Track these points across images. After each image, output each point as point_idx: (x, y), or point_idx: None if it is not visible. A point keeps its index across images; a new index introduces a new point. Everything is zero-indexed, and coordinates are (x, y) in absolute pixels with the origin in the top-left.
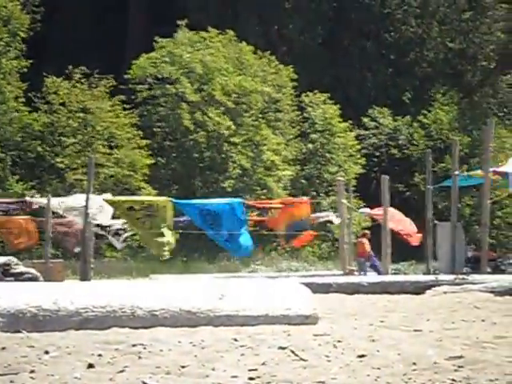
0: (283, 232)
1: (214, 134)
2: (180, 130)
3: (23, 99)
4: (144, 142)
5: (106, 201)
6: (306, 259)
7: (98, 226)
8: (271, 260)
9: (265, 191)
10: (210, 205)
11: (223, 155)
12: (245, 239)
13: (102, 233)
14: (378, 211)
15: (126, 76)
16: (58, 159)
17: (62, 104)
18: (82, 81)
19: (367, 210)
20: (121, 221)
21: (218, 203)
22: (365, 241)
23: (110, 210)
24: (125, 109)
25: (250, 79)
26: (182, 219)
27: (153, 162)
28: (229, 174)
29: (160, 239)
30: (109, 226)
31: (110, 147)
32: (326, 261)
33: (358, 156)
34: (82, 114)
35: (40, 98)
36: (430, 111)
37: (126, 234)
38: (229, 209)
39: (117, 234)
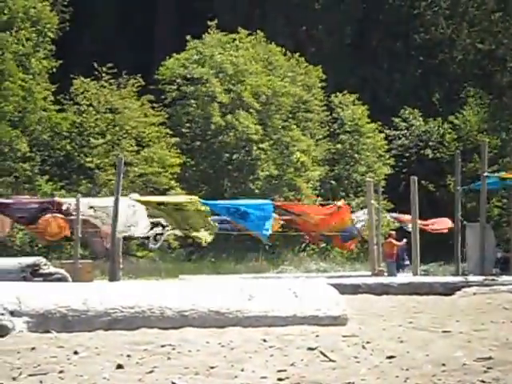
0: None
1: (242, 137)
2: (210, 130)
3: (52, 99)
4: (173, 140)
5: (137, 200)
6: (334, 260)
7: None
8: (299, 261)
9: (293, 192)
10: (238, 204)
11: (252, 158)
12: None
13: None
14: (407, 216)
15: (155, 76)
16: (87, 159)
17: (91, 104)
18: (111, 81)
19: (397, 214)
20: (160, 221)
21: (246, 203)
22: (393, 241)
23: (142, 209)
24: (153, 108)
25: (280, 80)
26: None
27: (182, 161)
28: (257, 176)
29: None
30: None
31: (139, 145)
32: (354, 262)
33: (387, 157)
34: (110, 115)
35: (68, 99)
36: (459, 112)
37: (167, 233)
38: (257, 208)
39: (155, 236)
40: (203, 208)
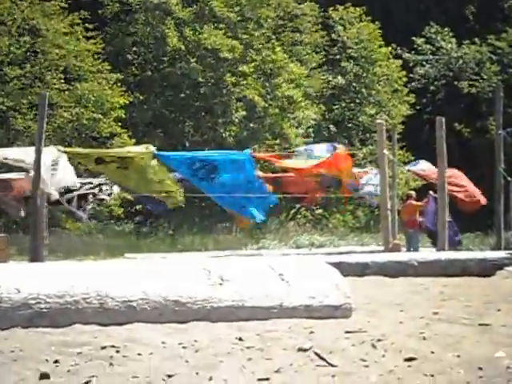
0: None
1: (210, 61)
2: (164, 55)
3: None
4: (115, 75)
5: (66, 153)
6: (334, 231)
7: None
8: (287, 233)
9: (278, 140)
10: (206, 157)
11: (224, 90)
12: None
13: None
14: (429, 168)
15: None
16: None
17: (2, 23)
18: None
19: (419, 165)
20: (91, 181)
21: (217, 155)
22: (414, 202)
23: (68, 166)
24: (87, 30)
25: None
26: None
27: (128, 100)
28: (231, 118)
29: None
30: (74, 190)
31: (68, 81)
32: (361, 232)
33: (406, 92)
34: (28, 38)
35: None
36: (503, 31)
37: (104, 196)
38: (231, 162)
39: (84, 198)
40: (155, 163)
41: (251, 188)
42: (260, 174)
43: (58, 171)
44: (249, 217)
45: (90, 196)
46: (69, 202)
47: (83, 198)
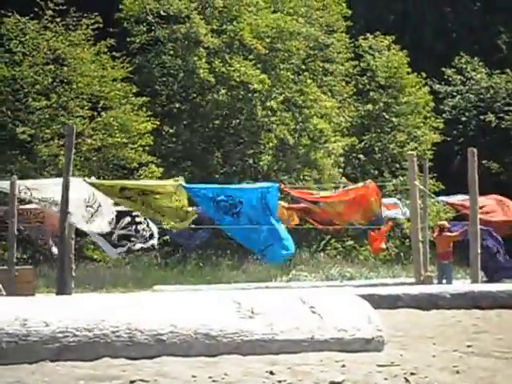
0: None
1: (240, 92)
2: (193, 86)
3: None
4: (141, 99)
5: (93, 185)
6: (365, 263)
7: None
8: (317, 265)
9: (311, 171)
10: (231, 191)
11: (254, 122)
12: (283, 236)
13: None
14: (462, 199)
15: (116, 15)
16: (22, 128)
17: (28, 53)
18: (57, 21)
19: (456, 196)
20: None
21: (241, 188)
22: (449, 234)
23: (109, 203)
24: (114, 58)
25: (289, 18)
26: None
27: (154, 126)
28: (262, 148)
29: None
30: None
31: (94, 109)
32: (391, 265)
33: (436, 120)
34: (53, 67)
35: None
36: None
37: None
38: (257, 194)
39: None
40: (182, 196)
41: (272, 229)
42: (287, 205)
43: (96, 207)
44: (265, 259)
45: (133, 237)
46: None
47: (123, 236)
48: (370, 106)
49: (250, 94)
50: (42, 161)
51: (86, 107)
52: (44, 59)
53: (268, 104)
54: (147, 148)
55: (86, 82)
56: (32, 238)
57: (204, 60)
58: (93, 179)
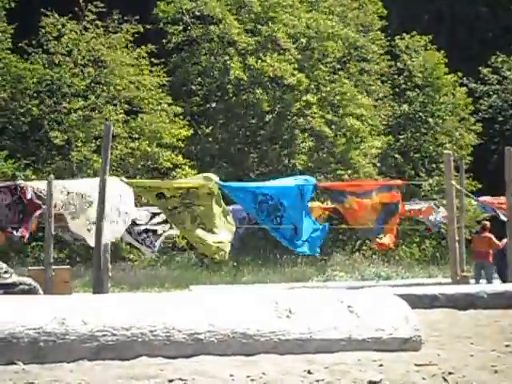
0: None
1: (275, 90)
2: (228, 85)
3: (11, 45)
4: (175, 108)
5: (129, 185)
6: (401, 263)
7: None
8: (353, 265)
9: (348, 171)
10: (268, 188)
11: (290, 121)
12: (311, 229)
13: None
14: (499, 199)
15: (153, 14)
16: (56, 133)
17: (67, 54)
18: (97, 23)
19: (486, 198)
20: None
21: (280, 186)
22: (493, 238)
23: (130, 196)
24: (153, 64)
25: (325, 18)
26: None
27: (189, 134)
28: (298, 148)
29: (211, 235)
30: (142, 223)
31: (128, 113)
32: (427, 264)
33: (473, 121)
34: (92, 69)
35: (36, 46)
36: None
37: (167, 234)
38: (296, 193)
39: (152, 234)
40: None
41: (307, 221)
42: (321, 205)
43: (123, 204)
44: (303, 252)
45: (159, 231)
46: (137, 235)
47: (153, 232)
48: (406, 106)
49: (284, 89)
50: (76, 162)
51: (121, 110)
52: (83, 60)
53: (304, 98)
54: (182, 149)
55: (123, 86)
56: (66, 239)
57: (237, 59)
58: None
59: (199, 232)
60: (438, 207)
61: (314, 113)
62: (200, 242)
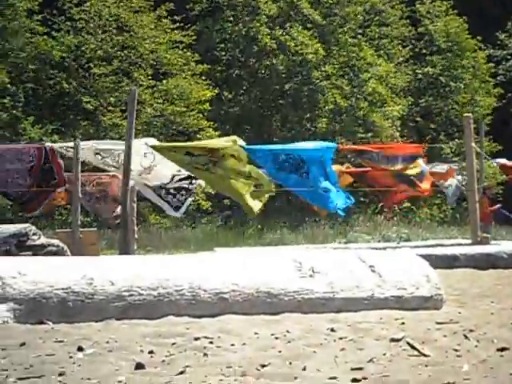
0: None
1: (298, 59)
2: (253, 52)
3: (37, 16)
4: (201, 67)
5: (153, 148)
6: (421, 224)
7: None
8: (374, 226)
9: (369, 133)
10: (290, 150)
11: (311, 85)
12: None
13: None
14: None
15: None
16: (86, 98)
17: (90, 21)
18: None
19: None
20: (184, 175)
21: (301, 148)
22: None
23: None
24: (174, 22)
25: None
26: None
27: (214, 94)
28: (319, 112)
29: (245, 181)
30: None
31: (155, 77)
32: (448, 226)
33: (492, 84)
34: (115, 35)
35: (58, 15)
36: None
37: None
38: (318, 156)
39: (177, 193)
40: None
41: (330, 182)
42: (343, 168)
43: (152, 163)
44: (331, 210)
45: (184, 190)
46: (163, 194)
47: (178, 190)
48: (428, 69)
49: (305, 61)
50: (104, 127)
51: (148, 74)
52: (106, 26)
53: (323, 69)
54: (206, 114)
55: (149, 48)
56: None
57: (264, 27)
58: (154, 141)
59: (234, 183)
60: (459, 170)
61: (331, 84)
62: (236, 194)
